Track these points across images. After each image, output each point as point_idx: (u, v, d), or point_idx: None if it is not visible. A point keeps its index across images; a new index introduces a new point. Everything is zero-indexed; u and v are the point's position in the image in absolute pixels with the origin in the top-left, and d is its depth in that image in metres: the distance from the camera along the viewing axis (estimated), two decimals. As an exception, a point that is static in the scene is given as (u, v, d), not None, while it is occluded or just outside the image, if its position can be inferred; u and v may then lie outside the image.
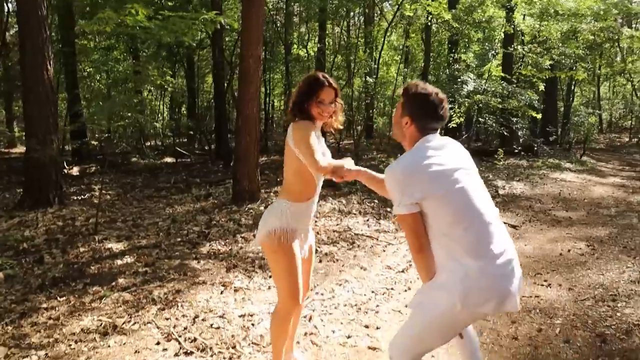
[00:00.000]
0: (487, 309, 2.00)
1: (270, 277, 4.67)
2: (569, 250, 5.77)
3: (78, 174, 10.96)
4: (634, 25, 23.79)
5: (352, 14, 18.51)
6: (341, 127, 2.77)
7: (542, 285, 4.62)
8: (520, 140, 14.68)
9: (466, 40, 15.60)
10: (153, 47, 14.10)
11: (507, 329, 3.68)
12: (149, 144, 16.54)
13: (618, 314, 3.91)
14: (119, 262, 4.96)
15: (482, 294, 1.98)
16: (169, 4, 12.52)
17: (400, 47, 19.39)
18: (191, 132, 15.69)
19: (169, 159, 13.98)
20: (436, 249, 2.08)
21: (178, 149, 13.84)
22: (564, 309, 4.04)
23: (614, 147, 22.65)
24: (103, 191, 8.49)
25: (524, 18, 15.15)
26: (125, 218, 6.86)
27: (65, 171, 10.60)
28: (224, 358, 3.19)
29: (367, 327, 3.69)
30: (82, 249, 5.33)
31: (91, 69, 15.80)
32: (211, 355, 3.21)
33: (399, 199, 2.05)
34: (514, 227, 6.92)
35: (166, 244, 5.64)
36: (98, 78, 17.06)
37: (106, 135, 12.31)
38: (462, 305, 1.96)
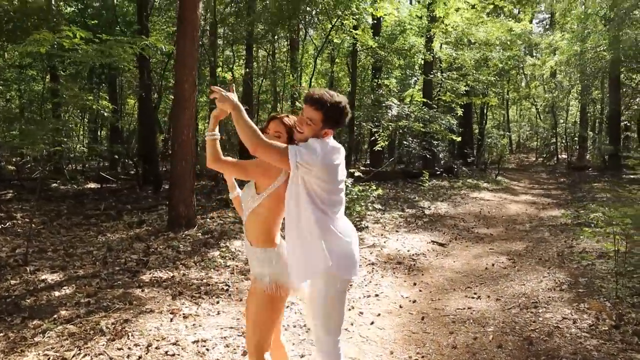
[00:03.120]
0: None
1: (218, 302, 4.75)
2: (493, 265, 6.31)
3: (-7, 201, 10.30)
4: (535, 55, 26.23)
5: (276, 37, 18.91)
6: None
7: (473, 297, 5.05)
8: (442, 162, 15.61)
9: (389, 66, 16.45)
10: (74, 67, 13.60)
11: (446, 339, 4.02)
12: (69, 168, 15.80)
13: (540, 319, 4.39)
14: (57, 293, 4.81)
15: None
16: (92, 22, 12.25)
17: (326, 72, 20.01)
18: (116, 156, 15.19)
19: (92, 185, 13.46)
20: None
21: (102, 174, 13.37)
22: (494, 318, 4.46)
23: (523, 166, 24.59)
24: (27, 219, 8.10)
25: (441, 47, 16.29)
26: (56, 247, 6.60)
27: (-22, 199, 9.94)
28: (184, 384, 3.25)
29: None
30: (13, 282, 5.10)
31: (1, 87, 14.93)
32: (171, 382, 3.26)
33: (303, 153, 2.31)
34: (442, 245, 7.42)
35: (105, 273, 5.52)
36: (8, 97, 16.13)
37: (22, 160, 11.68)
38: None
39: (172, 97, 8.56)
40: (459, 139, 13.99)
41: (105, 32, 9.84)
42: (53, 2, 9.52)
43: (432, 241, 7.59)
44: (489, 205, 11.30)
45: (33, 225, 7.89)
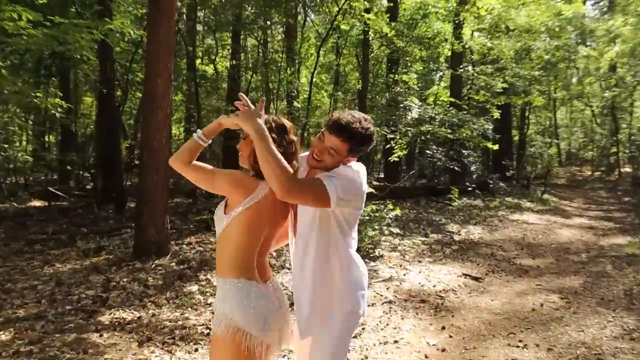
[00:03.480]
0: None
1: (197, 350, 4.68)
2: (541, 305, 6.22)
3: None
4: (589, 44, 26.20)
5: (269, 22, 18.99)
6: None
7: (518, 346, 4.96)
8: (474, 176, 15.58)
9: (408, 58, 16.52)
10: (18, 56, 13.63)
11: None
12: (9, 181, 15.77)
13: (604, 376, 4.31)
14: (-8, 339, 4.73)
15: None
16: (40, 1, 12.27)
17: (330, 65, 20.08)
18: (68, 167, 15.16)
19: (38, 202, 13.41)
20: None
21: (51, 188, 13.33)
22: (546, 373, 4.38)
23: (576, 182, 24.53)
24: (-46, 246, 8.04)
25: (472, 35, 16.36)
26: (-9, 281, 6.54)
27: None
28: None
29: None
30: None
31: None
32: None
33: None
34: (476, 279, 7.35)
35: (53, 313, 5.45)
36: None
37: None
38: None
39: (141, 94, 8.54)
40: (496, 147, 13.97)
41: (57, 14, 9.91)
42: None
43: (463, 274, 7.52)
44: (534, 230, 11.24)
45: (-37, 252, 7.84)
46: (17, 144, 19.20)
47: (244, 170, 2.59)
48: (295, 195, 2.32)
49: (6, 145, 12.98)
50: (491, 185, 15.55)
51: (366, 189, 2.54)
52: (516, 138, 23.82)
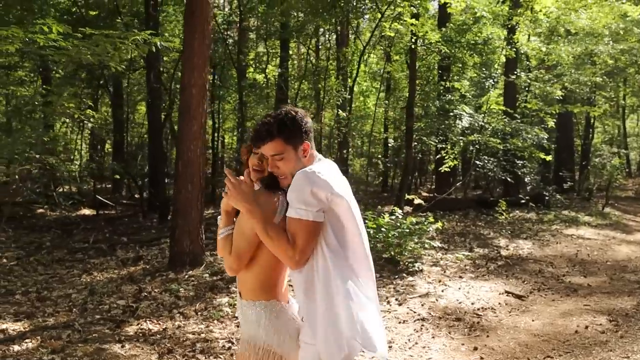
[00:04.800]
0: None
1: (214, 365, 4.70)
2: (586, 327, 5.95)
3: (-36, 230, 10.77)
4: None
5: (321, 30, 19.09)
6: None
7: (553, 370, 4.76)
8: (528, 188, 15.15)
9: (460, 65, 16.27)
10: (70, 66, 14.20)
11: None
12: (61, 190, 16.36)
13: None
14: (17, 347, 4.88)
15: None
16: (91, 13, 12.77)
17: (381, 72, 20.04)
18: (117, 177, 15.63)
19: (87, 211, 13.86)
20: None
21: (100, 197, 13.75)
22: (579, 401, 4.17)
23: (644, 195, 23.46)
24: (-2, 253, 8.39)
25: (528, 39, 15.96)
26: (27, 289, 6.78)
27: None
28: None
29: None
30: (-34, 332, 5.25)
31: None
32: None
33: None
34: (519, 297, 7.11)
35: (81, 322, 5.59)
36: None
37: (4, 179, 12.23)
38: None
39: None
40: (550, 158, 13.52)
41: (106, 26, 10.25)
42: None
43: (506, 291, 7.29)
44: (589, 245, 10.81)
45: (5, 260, 8.18)
46: (77, 153, 19.94)
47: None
48: (306, 255, 2.30)
49: (61, 155, 13.51)
50: (547, 198, 15.06)
51: (328, 188, 2.28)
52: (581, 148, 23.06)
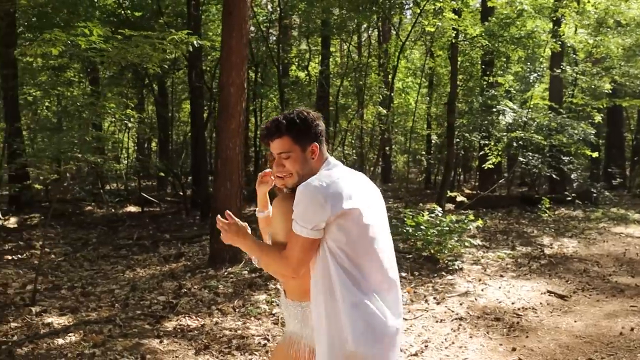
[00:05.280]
0: None
1: (249, 361, 4.74)
2: (632, 329, 5.77)
3: (16, 226, 11.14)
4: None
5: (363, 27, 19.03)
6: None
7: (594, 373, 4.65)
8: (574, 184, 14.80)
9: (504, 60, 15.99)
10: (115, 67, 14.56)
11: None
12: (108, 188, 16.78)
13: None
14: (61, 341, 5.03)
15: None
16: (135, 14, 13.04)
17: (423, 68, 19.88)
18: (162, 174, 15.94)
19: (133, 208, 14.18)
20: None
21: (144, 195, 14.05)
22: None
23: None
24: (47, 249, 8.64)
25: (575, 31, 15.56)
26: (73, 284, 6.97)
27: (0, 223, 10.80)
28: None
29: None
30: (13, 324, 5.43)
31: (38, 92, 16.19)
32: None
33: None
34: (562, 297, 6.95)
35: (122, 317, 5.72)
36: (47, 104, 17.49)
37: (54, 177, 12.63)
38: None
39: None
40: (596, 154, 13.14)
41: (148, 27, 10.47)
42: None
43: (548, 291, 7.14)
44: (638, 244, 10.49)
45: (53, 256, 8.43)
46: (124, 152, 20.47)
47: (281, 197, 2.55)
48: (301, 267, 2.32)
49: (107, 154, 13.89)
50: (594, 195, 14.67)
51: (330, 203, 2.22)
52: (632, 143, 22.38)
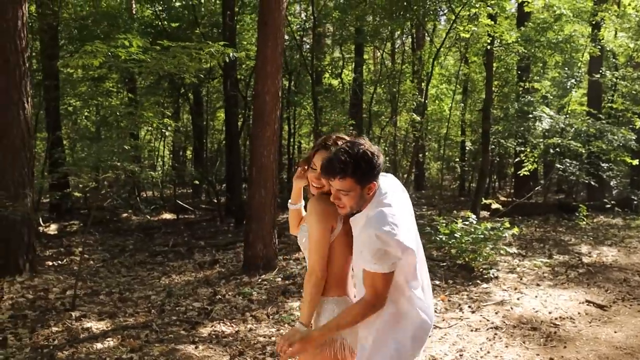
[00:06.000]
0: None
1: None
2: (673, 340, 5.66)
3: (56, 232, 11.42)
4: None
5: (396, 34, 19.00)
6: None
7: (634, 385, 4.56)
8: (614, 192, 14.49)
9: (540, 65, 15.79)
10: (152, 77, 14.85)
11: None
12: (144, 195, 17.07)
13: None
14: (99, 345, 5.15)
15: None
16: (172, 25, 13.29)
17: (457, 75, 19.79)
18: (197, 182, 16.16)
19: (168, 215, 14.39)
20: None
21: (180, 202, 14.25)
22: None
23: None
24: (86, 255, 8.84)
25: (615, 35, 15.30)
26: (111, 290, 7.12)
27: (41, 229, 11.07)
28: None
29: None
30: (54, 329, 5.56)
31: (78, 102, 16.59)
32: None
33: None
34: (601, 307, 6.82)
35: (159, 323, 5.82)
36: (86, 113, 17.91)
37: (92, 185, 12.93)
38: None
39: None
40: (635, 162, 12.81)
41: (185, 37, 10.65)
42: (124, 5, 10.49)
43: (586, 301, 7.02)
44: (681, 253, 10.24)
45: (92, 262, 8.62)
46: (160, 161, 20.83)
47: (316, 198, 2.65)
48: (385, 297, 2.43)
49: (144, 162, 14.18)
50: (635, 202, 14.35)
51: (399, 246, 2.36)
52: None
